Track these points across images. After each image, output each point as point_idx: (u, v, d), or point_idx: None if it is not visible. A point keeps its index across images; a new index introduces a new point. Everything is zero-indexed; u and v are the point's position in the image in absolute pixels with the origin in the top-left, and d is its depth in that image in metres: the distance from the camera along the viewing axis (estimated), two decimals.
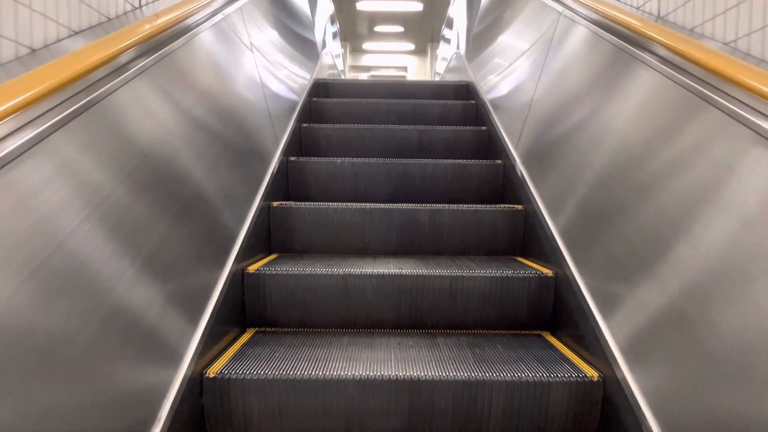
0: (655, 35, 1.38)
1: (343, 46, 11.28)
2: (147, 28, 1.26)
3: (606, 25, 1.69)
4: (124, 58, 1.16)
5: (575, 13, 1.92)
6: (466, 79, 3.78)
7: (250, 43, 2.19)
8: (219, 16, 1.83)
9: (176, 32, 1.44)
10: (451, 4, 5.64)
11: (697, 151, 1.14)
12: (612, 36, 1.64)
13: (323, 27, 4.89)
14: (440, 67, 6.53)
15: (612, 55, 1.63)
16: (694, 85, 1.20)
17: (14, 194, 0.80)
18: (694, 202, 1.10)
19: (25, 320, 0.75)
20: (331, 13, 5.61)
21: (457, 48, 4.88)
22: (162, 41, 1.35)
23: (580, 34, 1.89)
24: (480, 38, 3.71)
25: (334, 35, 6.01)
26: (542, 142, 2.04)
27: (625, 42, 1.54)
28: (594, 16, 1.77)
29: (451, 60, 5.21)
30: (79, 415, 0.84)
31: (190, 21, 1.54)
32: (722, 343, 0.92)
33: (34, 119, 0.86)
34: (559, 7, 2.05)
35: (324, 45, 4.83)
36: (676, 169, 1.19)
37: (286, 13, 3.16)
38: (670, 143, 1.25)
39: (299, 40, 3.47)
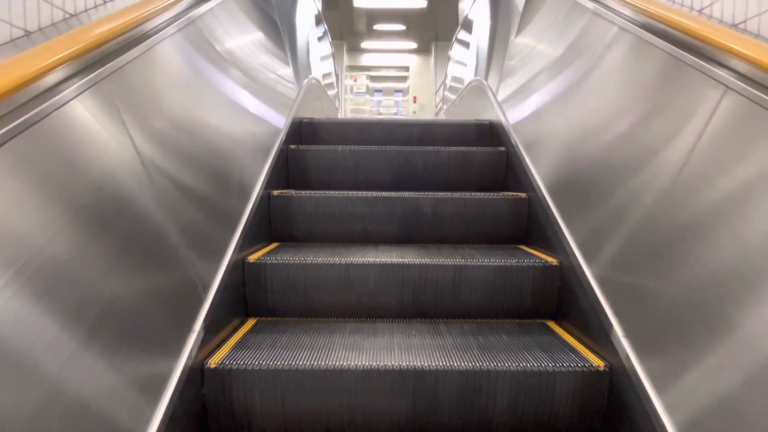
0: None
1: (339, 45, 11.46)
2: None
3: None
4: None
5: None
6: (495, 119, 3.04)
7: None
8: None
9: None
10: (470, 4, 4.80)
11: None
12: None
13: (305, 45, 4.10)
14: (455, 70, 5.85)
15: None
16: None
17: None
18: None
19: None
20: (316, 13, 4.89)
21: (475, 73, 4.19)
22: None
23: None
24: (518, 77, 2.78)
25: (321, 37, 5.26)
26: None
27: None
28: None
29: (469, 85, 4.42)
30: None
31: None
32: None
33: None
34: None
35: (309, 70, 4.12)
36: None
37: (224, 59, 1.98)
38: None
39: (261, 91, 2.44)
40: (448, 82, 6.58)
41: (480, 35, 4.35)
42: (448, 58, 6.53)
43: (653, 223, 1.33)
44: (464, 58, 5.17)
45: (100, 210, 1.06)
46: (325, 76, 5.51)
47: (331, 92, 5.92)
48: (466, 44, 5.08)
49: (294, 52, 3.47)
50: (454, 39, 5.86)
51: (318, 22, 5.06)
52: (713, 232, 1.12)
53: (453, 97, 5.65)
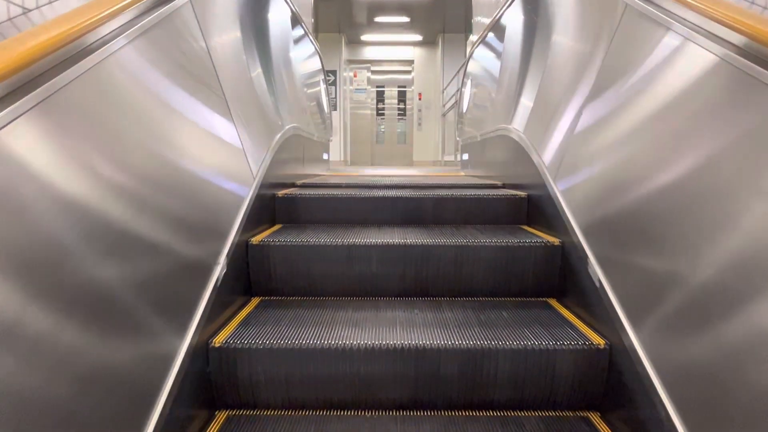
0: None
1: (336, 39, 11.69)
2: None
3: None
4: None
5: None
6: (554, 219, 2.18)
7: None
8: None
9: None
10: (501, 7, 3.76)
11: None
12: None
13: (280, 84, 3.25)
14: (475, 68, 4.98)
15: None
16: None
17: None
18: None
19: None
20: (290, 15, 3.81)
21: (505, 120, 3.26)
22: None
23: None
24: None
25: (298, 40, 4.22)
26: None
27: None
28: None
29: (497, 132, 3.48)
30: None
31: None
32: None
33: None
34: None
35: (287, 116, 3.27)
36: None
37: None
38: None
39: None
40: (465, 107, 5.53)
41: (516, 58, 3.33)
42: (469, 57, 5.35)
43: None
44: (484, 57, 4.43)
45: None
46: (308, 110, 4.56)
47: (317, 118, 5.05)
48: (494, 50, 4.14)
49: (258, 105, 2.60)
50: (481, 38, 4.59)
51: (294, 25, 4.05)
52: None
53: (475, 115, 4.81)
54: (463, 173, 4.94)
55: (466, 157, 5.14)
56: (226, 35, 2.27)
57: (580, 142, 2.03)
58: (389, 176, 4.40)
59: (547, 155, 2.37)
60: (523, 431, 1.53)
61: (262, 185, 2.33)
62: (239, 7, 2.48)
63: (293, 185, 3.15)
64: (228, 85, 2.08)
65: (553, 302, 2.06)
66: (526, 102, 2.90)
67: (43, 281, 0.94)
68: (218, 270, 1.72)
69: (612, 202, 1.71)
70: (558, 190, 2.15)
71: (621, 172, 1.69)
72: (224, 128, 2.01)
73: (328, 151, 5.74)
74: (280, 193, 2.65)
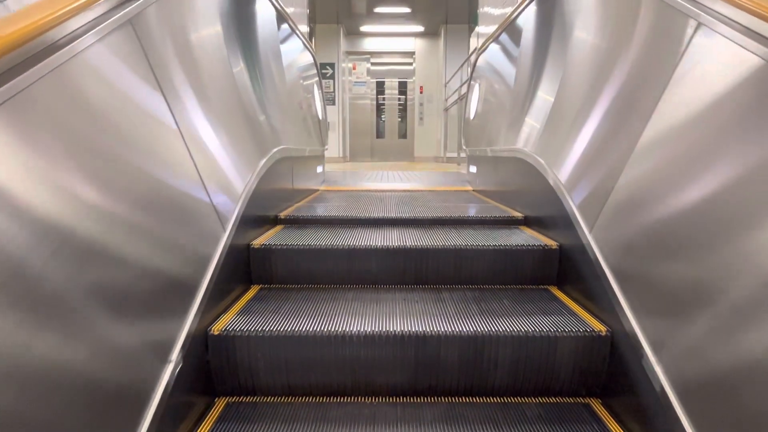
0: None
1: (334, 30, 11.73)
2: None
3: None
4: None
5: None
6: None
7: None
8: None
9: None
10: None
11: None
12: None
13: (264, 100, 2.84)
14: (485, 73, 4.52)
15: None
16: None
17: None
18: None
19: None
20: (275, 16, 3.38)
21: (519, 141, 2.94)
22: None
23: None
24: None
25: (285, 39, 3.70)
26: None
27: None
28: None
29: (510, 149, 3.11)
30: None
31: None
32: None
33: None
34: None
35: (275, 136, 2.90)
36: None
37: None
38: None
39: None
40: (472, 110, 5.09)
41: (521, 71, 3.04)
42: (475, 53, 4.92)
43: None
44: (496, 57, 4.03)
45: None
46: (298, 122, 4.10)
47: (309, 128, 4.55)
48: (504, 51, 3.78)
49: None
50: (485, 42, 4.29)
51: (280, 25, 3.57)
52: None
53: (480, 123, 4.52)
54: (470, 188, 4.63)
55: (473, 169, 4.74)
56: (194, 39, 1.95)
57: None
58: (393, 191, 4.29)
59: (562, 174, 2.21)
60: (523, 418, 1.57)
61: (251, 199, 2.20)
62: (205, 18, 2.14)
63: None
64: (178, 111, 1.68)
65: (554, 289, 2.12)
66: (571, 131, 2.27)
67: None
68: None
69: (635, 215, 1.64)
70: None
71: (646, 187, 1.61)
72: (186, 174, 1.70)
73: (323, 163, 5.33)
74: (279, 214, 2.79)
